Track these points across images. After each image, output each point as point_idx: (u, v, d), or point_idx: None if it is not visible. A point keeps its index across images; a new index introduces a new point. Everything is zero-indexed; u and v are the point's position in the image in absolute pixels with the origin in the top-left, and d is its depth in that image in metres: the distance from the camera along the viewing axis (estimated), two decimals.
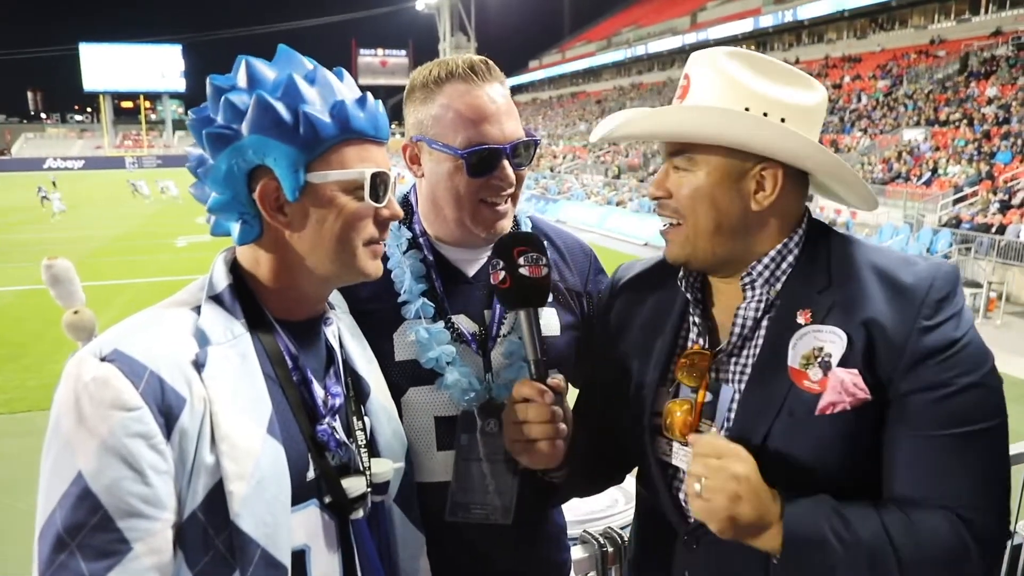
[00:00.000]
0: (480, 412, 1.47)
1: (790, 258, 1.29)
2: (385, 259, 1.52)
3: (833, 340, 1.19)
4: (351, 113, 1.16)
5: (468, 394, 1.47)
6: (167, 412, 1.03)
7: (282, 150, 1.12)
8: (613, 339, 1.49)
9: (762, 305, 1.30)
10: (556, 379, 1.34)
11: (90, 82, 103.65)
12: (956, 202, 18.90)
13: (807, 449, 1.19)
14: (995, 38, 30.92)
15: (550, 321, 1.57)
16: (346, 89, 1.21)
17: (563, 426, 1.32)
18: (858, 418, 1.17)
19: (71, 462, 0.99)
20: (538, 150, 1.55)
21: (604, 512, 2.48)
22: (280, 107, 1.11)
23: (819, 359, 1.19)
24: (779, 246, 1.29)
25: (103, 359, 1.03)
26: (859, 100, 32.18)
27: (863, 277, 1.22)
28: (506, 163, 1.45)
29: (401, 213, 1.26)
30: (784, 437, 1.20)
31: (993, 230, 15.85)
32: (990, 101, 24.84)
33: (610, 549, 2.05)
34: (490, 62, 1.50)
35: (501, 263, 1.36)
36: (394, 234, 1.56)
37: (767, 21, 47.41)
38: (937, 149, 23.15)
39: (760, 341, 1.28)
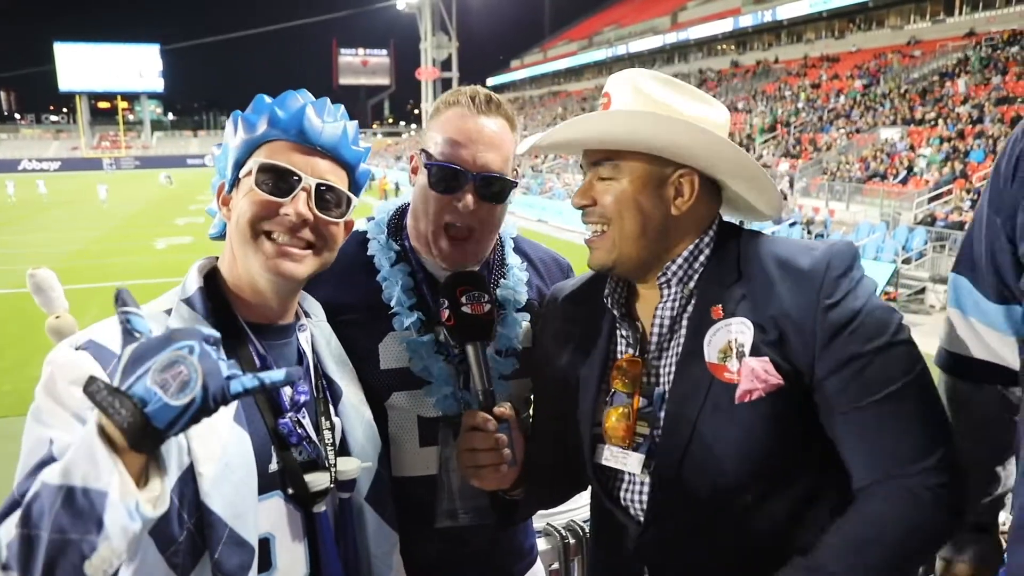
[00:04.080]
0: (459, 424, 1.52)
1: (702, 257, 1.36)
2: (375, 271, 1.61)
3: (743, 330, 1.26)
4: (275, 115, 1.28)
5: (451, 401, 1.56)
6: None
7: (228, 151, 1.32)
8: (552, 358, 1.55)
9: (678, 303, 1.37)
10: (503, 408, 1.42)
11: (65, 82, 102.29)
12: (931, 200, 19.19)
13: (733, 438, 1.25)
14: (969, 39, 31.43)
15: (525, 334, 1.68)
16: (301, 103, 1.30)
17: (507, 452, 1.40)
18: (775, 403, 1.23)
19: (44, 434, 1.07)
20: (512, 191, 1.60)
21: (567, 505, 2.51)
22: (235, 118, 1.30)
23: (735, 350, 1.26)
24: (691, 246, 1.36)
25: (78, 348, 1.15)
26: (837, 99, 32.56)
27: (768, 269, 1.29)
28: (469, 192, 1.51)
29: (306, 213, 1.27)
30: (711, 429, 1.26)
31: (966, 227, 16.08)
32: (964, 101, 25.25)
33: (572, 541, 2.10)
34: (496, 99, 1.58)
35: (446, 302, 1.46)
36: (383, 246, 1.63)
37: (747, 21, 47.84)
38: (912, 148, 23.49)
39: (681, 340, 1.34)
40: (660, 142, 1.30)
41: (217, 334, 0.98)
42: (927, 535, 1.22)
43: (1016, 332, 1.32)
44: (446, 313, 1.45)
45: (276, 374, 0.98)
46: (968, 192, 18.28)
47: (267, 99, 1.31)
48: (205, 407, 0.92)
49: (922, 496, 1.18)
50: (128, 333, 0.97)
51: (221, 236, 1.38)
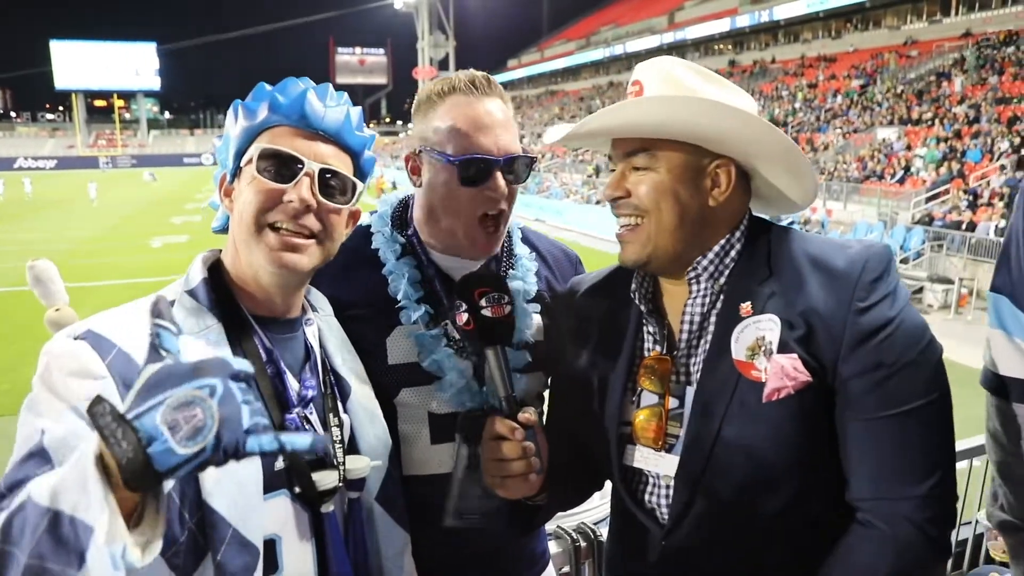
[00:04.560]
0: (474, 421, 1.49)
1: (733, 252, 1.33)
2: (380, 264, 1.57)
3: (771, 327, 1.23)
4: (275, 100, 1.25)
5: (464, 396, 1.52)
6: (131, 386, 1.06)
7: (229, 141, 1.28)
8: (572, 355, 1.50)
9: (707, 300, 1.33)
10: (527, 414, 1.36)
11: (62, 80, 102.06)
12: (928, 199, 19.22)
13: (761, 437, 1.22)
14: (965, 39, 31.49)
15: (538, 327, 1.64)
16: (302, 88, 1.27)
17: (536, 460, 1.35)
18: (803, 400, 1.20)
19: (37, 424, 1.03)
20: (534, 167, 1.58)
21: (578, 508, 2.50)
22: (235, 106, 1.26)
23: (763, 348, 1.23)
24: (722, 241, 1.33)
25: (76, 338, 1.10)
26: (834, 99, 32.59)
27: (800, 266, 1.26)
28: (499, 175, 1.49)
29: (309, 199, 1.23)
30: (737, 428, 1.23)
31: (963, 227, 16.14)
32: (961, 101, 25.29)
33: (583, 544, 2.08)
34: (492, 79, 1.54)
35: (464, 305, 1.39)
36: (388, 239, 1.60)
37: (744, 21, 47.86)
38: (909, 148, 23.52)
39: (710, 337, 1.31)
40: (702, 128, 1.25)
41: (249, 369, 0.89)
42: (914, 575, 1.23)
43: None
44: (464, 317, 1.38)
45: (301, 440, 0.88)
46: (965, 192, 18.30)
47: (267, 87, 1.27)
48: (215, 459, 0.83)
49: (909, 538, 1.19)
50: (154, 348, 0.88)
51: (223, 230, 1.34)
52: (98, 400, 0.83)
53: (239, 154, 1.27)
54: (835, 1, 40.76)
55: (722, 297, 1.32)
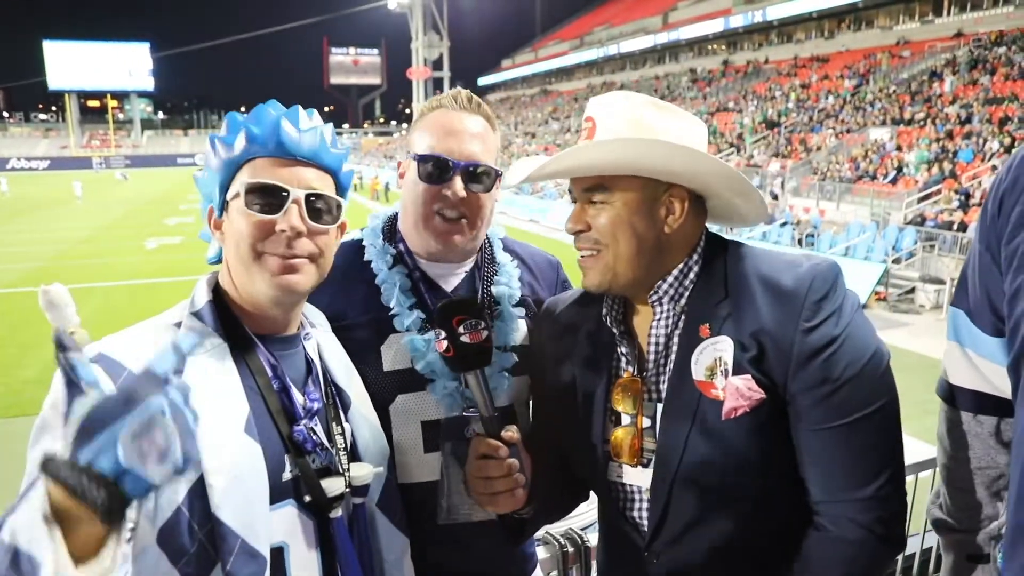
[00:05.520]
0: (459, 420, 1.58)
1: (691, 275, 1.39)
2: (372, 276, 1.64)
3: (726, 349, 1.30)
4: (251, 132, 1.28)
5: (454, 398, 1.59)
6: None
7: (212, 175, 1.31)
8: (553, 374, 1.56)
9: (670, 321, 1.40)
10: (509, 432, 1.43)
11: (55, 80, 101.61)
12: (921, 200, 19.31)
13: (723, 452, 1.29)
14: (956, 40, 31.65)
15: (522, 333, 1.71)
16: (274, 116, 1.29)
17: (521, 476, 1.42)
18: (759, 417, 1.28)
19: (41, 447, 1.07)
20: (497, 180, 1.65)
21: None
22: (212, 141, 1.30)
23: (720, 368, 1.30)
24: (680, 265, 1.39)
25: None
26: (827, 99, 32.71)
27: (752, 287, 1.32)
28: (457, 179, 1.57)
29: (300, 226, 1.27)
30: (701, 443, 1.30)
31: (955, 227, 16.21)
32: (953, 101, 25.43)
33: (571, 549, 2.12)
34: (476, 98, 1.65)
35: (443, 333, 1.45)
36: (380, 251, 1.67)
37: (737, 21, 47.99)
38: (900, 148, 23.62)
39: (674, 357, 1.38)
40: (652, 164, 1.32)
41: (178, 368, 0.88)
42: (867, 571, 1.31)
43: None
44: (444, 344, 1.44)
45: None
46: (956, 192, 18.41)
47: (239, 117, 1.31)
48: (182, 471, 0.84)
49: (858, 538, 1.27)
50: (72, 384, 0.87)
51: (219, 260, 1.38)
52: (48, 459, 0.82)
53: (224, 188, 1.31)
54: (828, 1, 40.94)
55: (683, 318, 1.38)
